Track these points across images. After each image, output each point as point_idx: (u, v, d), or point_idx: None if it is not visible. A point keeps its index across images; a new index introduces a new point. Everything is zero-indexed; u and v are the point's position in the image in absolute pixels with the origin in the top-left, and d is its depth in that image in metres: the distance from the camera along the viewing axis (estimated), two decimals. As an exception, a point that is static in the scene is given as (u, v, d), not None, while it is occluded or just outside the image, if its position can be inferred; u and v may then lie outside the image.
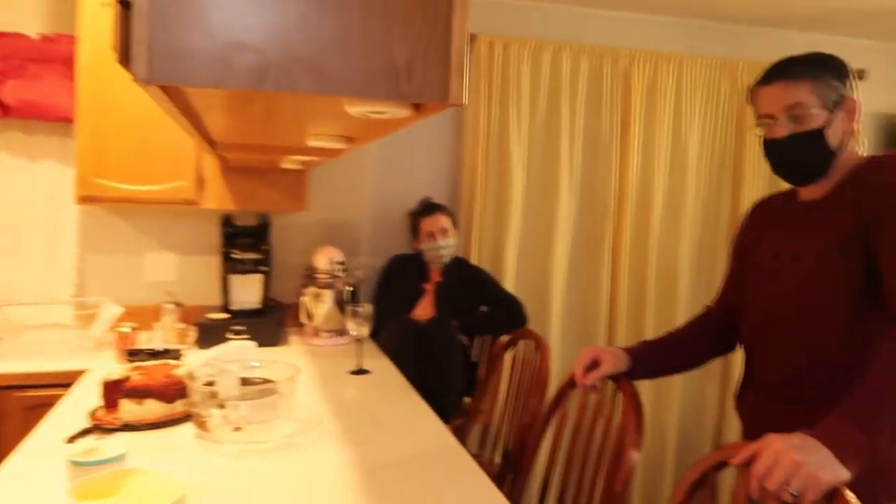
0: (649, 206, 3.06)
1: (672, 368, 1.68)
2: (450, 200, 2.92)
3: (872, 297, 1.25)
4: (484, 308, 2.67)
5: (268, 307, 2.61)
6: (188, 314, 2.63)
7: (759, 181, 3.13)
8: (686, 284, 3.13)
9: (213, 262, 2.72)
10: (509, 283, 2.88)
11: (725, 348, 1.63)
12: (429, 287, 2.67)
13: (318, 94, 0.61)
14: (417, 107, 0.76)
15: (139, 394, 1.63)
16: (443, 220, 2.63)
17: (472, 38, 2.83)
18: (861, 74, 3.32)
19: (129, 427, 1.58)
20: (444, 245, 2.61)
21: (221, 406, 1.51)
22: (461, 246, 2.85)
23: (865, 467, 1.05)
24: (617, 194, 3.04)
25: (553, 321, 2.99)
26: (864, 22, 3.12)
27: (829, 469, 1.03)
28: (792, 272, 1.38)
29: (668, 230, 3.11)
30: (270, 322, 2.49)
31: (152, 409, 1.63)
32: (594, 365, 1.60)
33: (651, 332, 3.09)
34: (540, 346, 2.08)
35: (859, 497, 1.01)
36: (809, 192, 1.41)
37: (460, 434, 2.40)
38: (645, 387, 3.08)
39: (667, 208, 3.10)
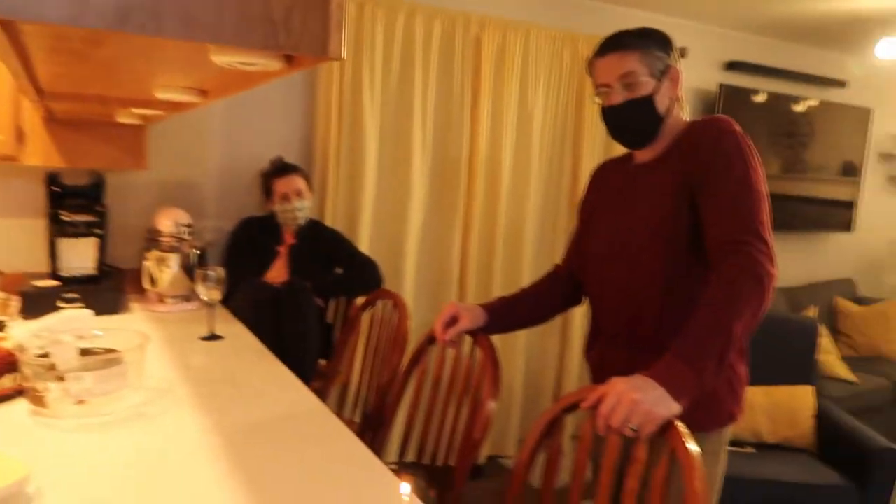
0: (498, 169, 3.18)
1: (525, 323, 1.79)
2: (303, 161, 2.84)
3: (696, 251, 1.38)
4: (339, 270, 2.66)
5: (104, 273, 2.42)
6: (9, 282, 2.37)
7: (597, 147, 3.36)
8: (531, 243, 3.32)
9: (39, 226, 2.46)
10: (364, 245, 2.88)
11: (572, 303, 1.76)
12: (282, 250, 2.61)
13: (186, 41, 0.58)
14: (289, 59, 0.74)
15: (-44, 371, 1.47)
16: (298, 182, 2.56)
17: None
18: (683, 52, 3.65)
19: (-54, 409, 1.41)
20: (299, 207, 2.55)
21: (61, 379, 1.39)
22: (315, 208, 2.80)
23: (695, 400, 1.19)
24: (468, 157, 3.13)
25: (407, 281, 3.05)
26: (685, 2, 3.42)
27: (663, 405, 1.15)
28: (625, 230, 1.49)
29: (515, 192, 3.26)
30: (107, 289, 2.31)
31: (-27, 387, 1.47)
32: (453, 321, 1.66)
33: (499, 290, 3.24)
34: (398, 305, 2.12)
35: (689, 426, 1.16)
36: (643, 155, 1.53)
37: (319, 396, 2.40)
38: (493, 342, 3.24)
39: (514, 171, 3.24)
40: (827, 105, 4.26)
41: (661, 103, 1.44)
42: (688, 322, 1.24)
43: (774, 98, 4.02)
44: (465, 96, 3.07)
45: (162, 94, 1.14)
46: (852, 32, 3.79)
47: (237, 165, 2.78)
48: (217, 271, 2.02)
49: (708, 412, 1.39)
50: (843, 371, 3.68)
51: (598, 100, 1.50)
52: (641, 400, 1.14)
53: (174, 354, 1.88)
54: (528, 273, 3.30)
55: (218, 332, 2.08)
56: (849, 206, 4.54)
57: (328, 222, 2.81)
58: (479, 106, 3.09)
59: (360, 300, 2.52)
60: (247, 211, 2.75)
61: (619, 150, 1.62)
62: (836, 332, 4.26)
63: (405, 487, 1.11)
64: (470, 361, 1.73)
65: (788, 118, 4.12)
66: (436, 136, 3.07)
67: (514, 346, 3.31)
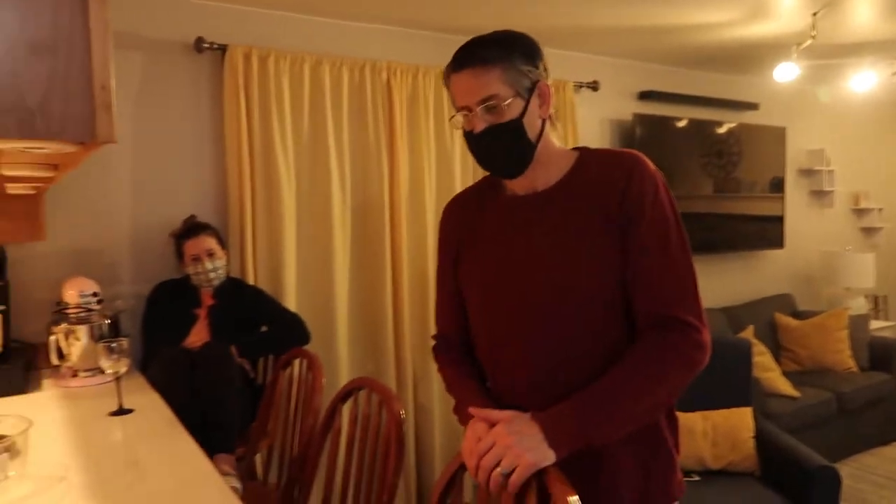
0: (422, 209, 3.17)
1: None
2: (219, 217, 2.79)
3: (616, 307, 1.22)
4: (264, 328, 2.59)
5: (10, 350, 2.31)
6: None
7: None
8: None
9: (-65, 305, 2.35)
10: (291, 300, 2.82)
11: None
12: (201, 312, 2.53)
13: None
14: (82, 142, 0.71)
15: None
16: (208, 242, 2.49)
17: (224, 48, 2.72)
18: (595, 86, 3.74)
19: None
20: (210, 268, 2.48)
21: (-69, 477, 1.30)
22: (236, 266, 2.74)
23: (577, 451, 1.13)
24: (390, 201, 3.11)
25: (339, 332, 2.98)
26: (595, 39, 3.51)
27: (538, 451, 1.10)
28: (528, 277, 1.26)
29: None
30: (14, 367, 2.20)
31: None
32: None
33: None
34: (312, 363, 2.07)
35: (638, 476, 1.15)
36: (519, 185, 1.31)
37: (245, 462, 2.31)
38: (440, 383, 3.20)
39: (439, 209, 3.23)
40: (745, 126, 4.40)
41: (532, 126, 1.23)
42: (601, 378, 1.16)
43: (695, 123, 4.14)
44: (380, 140, 3.07)
45: (8, 171, 1.10)
46: (753, 57, 3.94)
47: (148, 227, 2.71)
48: (121, 342, 1.94)
49: (659, 458, 1.27)
50: (785, 387, 3.71)
51: (457, 123, 1.28)
52: (515, 444, 1.10)
53: (77, 434, 1.78)
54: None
55: (129, 406, 1.99)
56: (780, 221, 4.66)
57: (250, 279, 2.75)
58: (396, 148, 3.09)
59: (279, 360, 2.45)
60: (164, 274, 2.67)
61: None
62: (778, 348, 4.30)
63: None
64: (379, 418, 1.68)
65: (715, 139, 4.24)
66: (354, 184, 3.05)
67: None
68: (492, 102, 1.20)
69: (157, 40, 2.69)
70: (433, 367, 3.16)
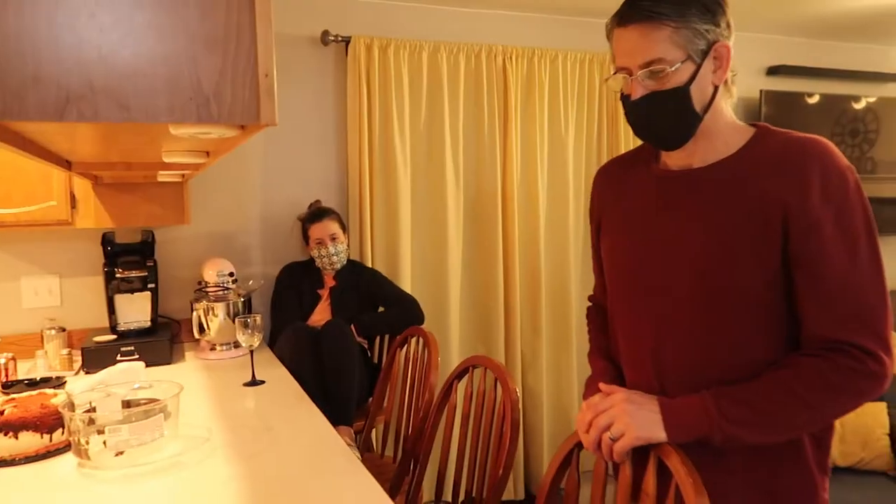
0: (534, 197, 3.17)
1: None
2: (341, 203, 2.92)
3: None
4: (381, 309, 2.70)
5: (158, 325, 2.54)
6: (74, 338, 2.53)
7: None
8: (575, 271, 3.28)
9: (98, 283, 2.62)
10: (406, 283, 2.92)
11: None
12: (324, 293, 2.68)
13: (124, 122, 0.63)
14: (243, 126, 0.78)
15: (13, 427, 1.57)
16: (331, 226, 2.62)
17: (348, 39, 2.84)
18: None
19: (5, 463, 1.52)
20: (334, 251, 2.61)
21: (101, 432, 1.47)
22: (355, 248, 2.87)
23: (688, 443, 1.08)
24: (503, 188, 3.14)
25: (451, 316, 3.05)
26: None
27: (649, 427, 1.08)
28: (668, 265, 1.16)
29: (553, 220, 3.24)
30: (161, 340, 2.43)
31: (29, 441, 1.58)
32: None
33: (547, 321, 3.21)
34: (428, 342, 2.14)
35: None
36: (676, 159, 1.18)
37: (363, 435, 2.43)
38: (549, 369, 3.21)
39: (550, 198, 3.22)
40: (886, 101, 4.05)
41: (700, 95, 1.08)
42: (754, 379, 1.06)
43: (829, 99, 3.86)
44: (495, 127, 3.09)
45: (167, 158, 1.22)
46: (894, 24, 3.61)
47: (276, 212, 2.89)
48: (254, 318, 2.10)
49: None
50: (927, 383, 3.42)
51: (613, 85, 1.14)
52: (631, 412, 1.10)
53: (217, 401, 1.95)
54: (576, 304, 3.25)
55: (261, 377, 2.15)
56: (923, 204, 4.27)
57: (368, 262, 2.87)
58: (510, 136, 3.11)
59: (396, 339, 2.55)
60: (291, 256, 2.85)
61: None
62: (918, 341, 3.97)
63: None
64: (493, 395, 1.72)
65: (849, 116, 3.94)
66: (468, 170, 3.10)
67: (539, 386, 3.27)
68: (656, 67, 1.06)
69: (286, 35, 2.84)
70: (543, 352, 3.19)
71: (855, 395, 1.04)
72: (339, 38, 2.84)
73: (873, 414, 2.62)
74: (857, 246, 1.04)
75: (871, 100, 3.99)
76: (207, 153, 1.23)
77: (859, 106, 3.96)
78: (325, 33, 2.84)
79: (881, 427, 2.60)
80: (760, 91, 3.63)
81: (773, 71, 3.77)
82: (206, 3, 0.64)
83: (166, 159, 1.22)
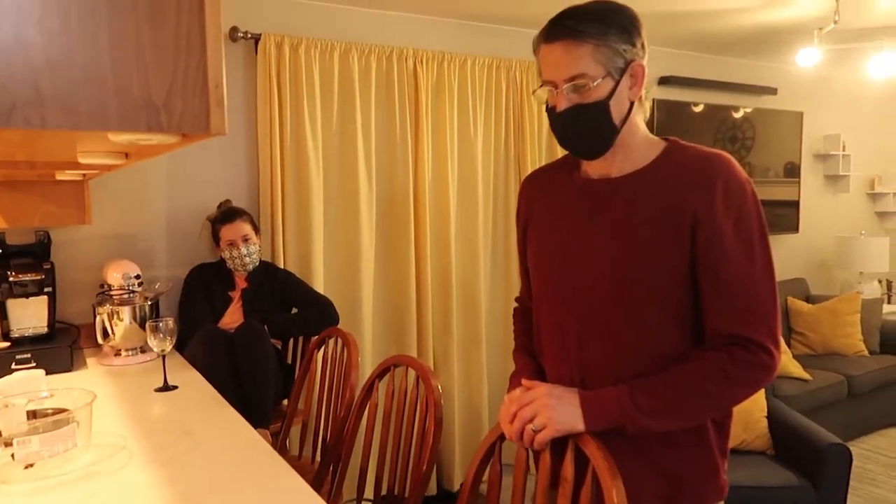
0: (446, 199, 3.24)
1: None
2: (251, 202, 2.88)
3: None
4: (295, 311, 2.68)
5: (57, 331, 2.41)
6: (-41, 348, 2.36)
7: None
8: (485, 271, 3.38)
9: (-14, 288, 2.45)
10: (318, 284, 2.91)
11: None
12: (235, 294, 2.63)
13: (71, 131, 0.63)
14: (185, 134, 0.79)
15: None
16: (244, 227, 2.58)
17: (258, 37, 2.79)
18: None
19: None
20: (246, 253, 2.57)
21: (8, 444, 1.40)
22: (267, 249, 2.83)
23: (603, 431, 1.17)
24: (414, 189, 3.19)
25: (364, 317, 3.07)
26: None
27: (568, 419, 1.17)
28: (586, 268, 1.24)
29: (464, 221, 3.33)
30: (60, 347, 2.31)
31: (-79, 459, 1.47)
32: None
33: (458, 319, 3.30)
34: (347, 342, 2.16)
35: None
36: (596, 168, 1.27)
37: (280, 437, 2.41)
38: (460, 368, 3.29)
39: (461, 199, 3.31)
40: (761, 111, 4.43)
41: (618, 109, 1.18)
42: (661, 373, 1.17)
43: (712, 108, 4.18)
44: (407, 130, 3.14)
45: (84, 160, 1.18)
46: (774, 42, 3.96)
47: (184, 213, 2.80)
48: (166, 322, 2.04)
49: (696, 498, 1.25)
50: (796, 370, 3.78)
51: (540, 98, 1.23)
52: (553, 406, 1.17)
53: (128, 408, 1.89)
54: (486, 302, 3.36)
55: (173, 382, 2.09)
56: (794, 206, 4.70)
57: (280, 263, 2.84)
58: (421, 138, 3.16)
59: (313, 339, 2.54)
60: (199, 258, 2.77)
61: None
62: (790, 332, 4.38)
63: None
64: (416, 393, 1.77)
65: (729, 124, 4.29)
66: (380, 172, 3.12)
67: (480, 371, 3.37)
68: (579, 81, 1.14)
69: (190, 30, 2.75)
70: (454, 351, 3.27)
71: (750, 385, 1.16)
72: (249, 35, 2.80)
73: (754, 399, 2.87)
74: (752, 250, 1.15)
75: (748, 110, 4.36)
76: (127, 155, 1.20)
77: (738, 115, 4.32)
78: (234, 29, 2.78)
79: (760, 411, 2.85)
80: (653, 100, 3.89)
81: (664, 81, 4.04)
82: (156, 13, 0.65)
83: (82, 160, 1.18)
